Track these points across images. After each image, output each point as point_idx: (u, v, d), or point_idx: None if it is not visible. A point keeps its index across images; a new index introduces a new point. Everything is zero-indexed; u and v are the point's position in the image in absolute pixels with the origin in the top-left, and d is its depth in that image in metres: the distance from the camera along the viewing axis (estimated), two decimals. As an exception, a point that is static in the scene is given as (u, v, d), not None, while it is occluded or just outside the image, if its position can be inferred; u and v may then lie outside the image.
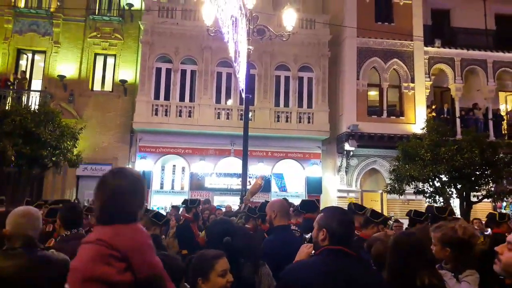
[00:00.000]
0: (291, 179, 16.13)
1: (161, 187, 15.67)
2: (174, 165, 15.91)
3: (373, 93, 16.51)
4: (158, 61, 15.66)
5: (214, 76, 15.79)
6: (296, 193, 15.62)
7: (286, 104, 16.10)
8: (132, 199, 1.79)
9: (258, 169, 15.20)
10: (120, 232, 1.70)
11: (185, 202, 7.49)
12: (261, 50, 15.09)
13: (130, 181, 1.81)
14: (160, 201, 14.89)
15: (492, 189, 12.66)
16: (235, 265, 2.46)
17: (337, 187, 15.75)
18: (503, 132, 16.28)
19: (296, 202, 12.17)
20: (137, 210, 1.81)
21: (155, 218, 4.75)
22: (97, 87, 16.36)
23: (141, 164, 14.81)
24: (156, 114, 15.13)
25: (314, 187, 15.69)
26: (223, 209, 10.25)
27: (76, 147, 12.93)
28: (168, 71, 15.66)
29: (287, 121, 15.79)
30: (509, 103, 17.62)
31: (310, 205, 5.46)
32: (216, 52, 15.24)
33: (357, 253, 2.26)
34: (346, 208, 5.83)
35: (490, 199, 12.85)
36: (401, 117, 16.02)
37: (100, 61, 16.50)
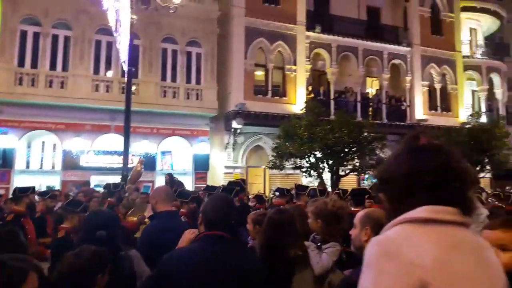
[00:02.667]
0: (178, 156, 15.90)
1: (27, 166, 14.02)
2: (43, 142, 14.33)
3: (259, 73, 17.02)
4: (23, 22, 13.70)
5: (92, 44, 14.48)
6: (184, 170, 15.50)
7: (174, 79, 15.65)
8: None
9: (143, 147, 14.64)
10: None
11: (107, 186, 7.11)
12: (147, 21, 14.24)
13: None
14: (25, 182, 13.32)
15: (357, 164, 14.29)
16: (114, 259, 2.31)
17: (224, 164, 16.06)
18: (369, 114, 18.33)
19: (183, 179, 12.15)
20: None
21: (70, 206, 4.23)
22: None
23: (1, 141, 12.99)
24: (21, 83, 13.34)
25: (202, 164, 15.75)
26: (101, 189, 9.64)
27: None
28: (36, 35, 13.84)
29: (174, 96, 15.39)
30: (374, 88, 19.85)
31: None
32: (95, 18, 13.93)
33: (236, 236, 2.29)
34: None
35: (355, 173, 14.49)
36: (284, 98, 16.89)
37: None
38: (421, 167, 1.09)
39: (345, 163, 13.68)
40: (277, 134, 14.20)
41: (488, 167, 16.40)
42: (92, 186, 12.12)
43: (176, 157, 15.85)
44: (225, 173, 15.71)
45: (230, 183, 8.26)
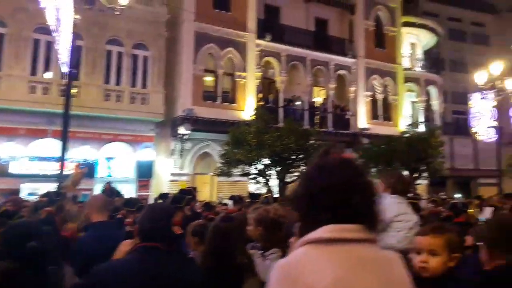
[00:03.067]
0: (120, 163, 15.28)
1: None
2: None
3: (209, 79, 16.88)
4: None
5: (30, 43, 13.61)
6: (126, 178, 14.93)
7: (118, 83, 15.09)
8: None
9: (83, 152, 13.93)
10: None
11: (48, 194, 6.66)
12: (90, 21, 13.70)
13: None
14: None
15: (304, 171, 14.51)
16: (43, 273, 2.13)
17: (170, 171, 15.67)
18: (315, 122, 18.78)
19: (124, 187, 11.71)
20: None
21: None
22: None
23: None
24: None
25: (145, 171, 15.27)
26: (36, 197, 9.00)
27: None
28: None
29: (118, 100, 14.82)
30: (321, 97, 20.39)
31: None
32: (34, 15, 13.09)
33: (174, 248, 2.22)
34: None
35: (302, 180, 14.68)
36: (233, 104, 16.87)
37: None
38: (324, 185, 1.09)
39: (292, 170, 13.87)
40: (226, 140, 14.12)
41: (425, 174, 17.37)
42: (24, 194, 11.30)
43: (117, 164, 15.21)
44: (170, 181, 15.34)
45: (181, 191, 8.09)
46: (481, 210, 8.63)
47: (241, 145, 13.40)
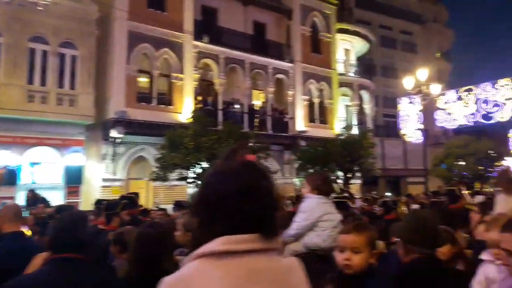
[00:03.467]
0: (47, 168, 14.21)
1: None
2: None
3: (143, 80, 16.28)
4: None
5: None
6: (53, 184, 13.91)
7: (43, 83, 14.04)
8: None
9: (3, 158, 12.77)
10: None
11: None
12: (10, 16, 12.66)
13: None
14: None
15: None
16: None
17: (102, 176, 14.85)
18: (255, 125, 18.86)
19: (52, 194, 10.89)
20: None
21: None
22: None
23: None
24: None
25: (74, 177, 14.32)
26: None
27: None
28: None
29: (43, 102, 13.79)
30: (261, 100, 20.54)
31: None
32: None
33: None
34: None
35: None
36: (170, 106, 16.41)
37: None
38: (220, 192, 1.02)
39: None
40: (162, 144, 13.67)
41: (358, 174, 18.12)
42: None
43: (44, 170, 14.13)
44: (102, 187, 14.55)
45: (122, 197, 7.69)
46: (408, 207, 9.13)
47: (178, 148, 13.05)
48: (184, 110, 16.35)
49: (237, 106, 18.91)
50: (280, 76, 20.39)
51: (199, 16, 18.27)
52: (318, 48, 22.15)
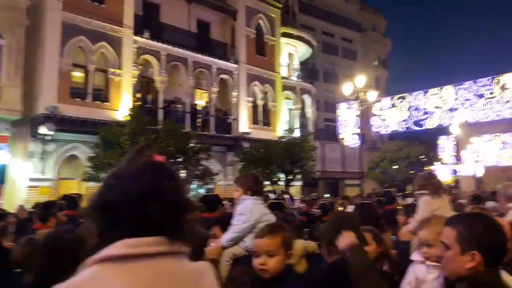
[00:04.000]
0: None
1: None
2: None
3: (78, 74, 15.34)
4: None
5: None
6: (-30, 184, 12.65)
7: (-39, 73, 12.74)
8: None
9: None
10: None
11: None
12: None
13: None
14: None
15: (183, 174, 14.14)
16: None
17: (28, 176, 13.75)
18: (197, 125, 18.53)
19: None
20: None
21: None
22: None
23: None
24: None
25: (-4, 176, 13.15)
26: None
27: None
28: None
29: (-40, 94, 12.49)
30: (204, 100, 20.23)
31: None
32: None
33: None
34: None
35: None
36: (106, 103, 15.61)
37: None
38: (121, 195, 0.96)
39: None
40: (96, 142, 12.94)
41: (299, 176, 18.44)
42: None
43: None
44: (29, 187, 13.48)
45: (65, 196, 7.08)
46: (344, 209, 9.40)
47: (113, 147, 12.43)
48: (121, 107, 15.63)
49: (179, 105, 18.46)
50: (224, 76, 20.23)
51: (140, 10, 17.61)
52: (262, 51, 22.30)
